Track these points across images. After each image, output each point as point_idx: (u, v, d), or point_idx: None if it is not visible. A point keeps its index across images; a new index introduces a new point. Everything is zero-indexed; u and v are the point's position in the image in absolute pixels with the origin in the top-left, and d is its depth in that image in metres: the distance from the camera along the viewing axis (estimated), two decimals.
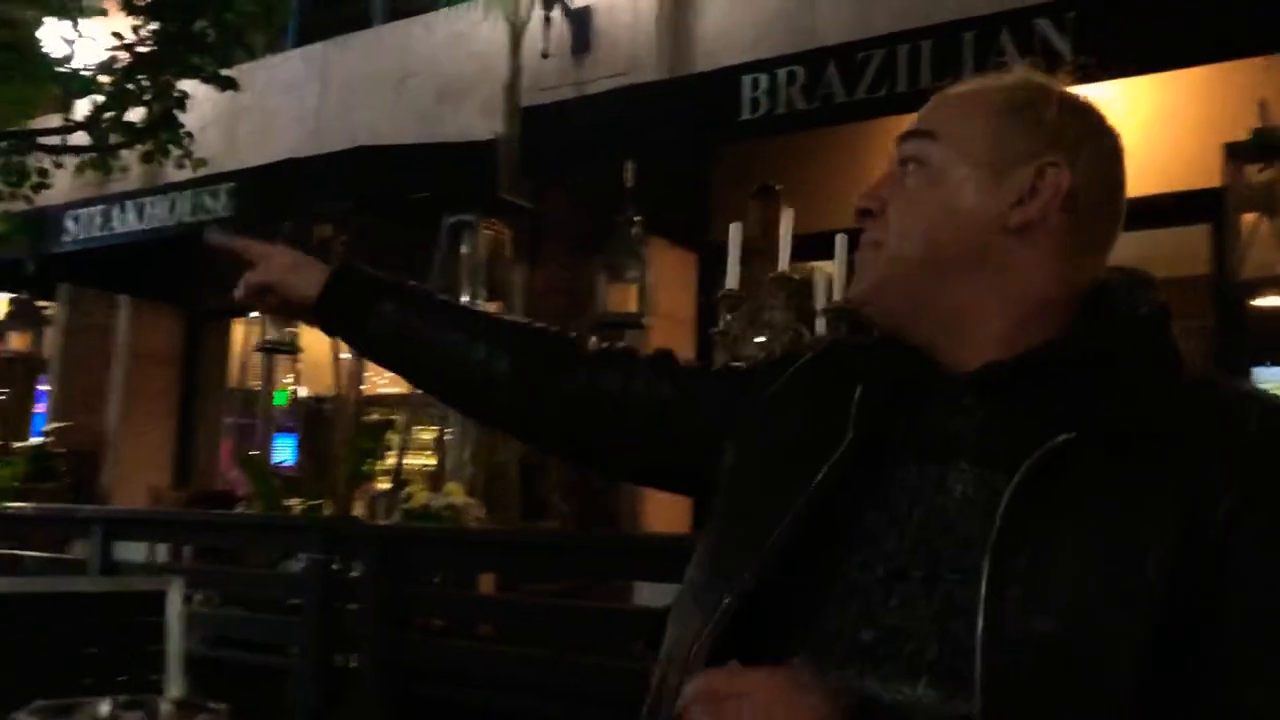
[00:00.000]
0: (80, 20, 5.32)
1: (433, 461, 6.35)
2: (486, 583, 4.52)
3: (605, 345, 1.24)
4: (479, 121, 6.29)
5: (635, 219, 5.04)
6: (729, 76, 5.08)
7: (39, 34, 5.39)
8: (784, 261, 3.84)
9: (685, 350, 6.66)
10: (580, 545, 4.12)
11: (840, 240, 3.63)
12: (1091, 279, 0.98)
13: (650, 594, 3.72)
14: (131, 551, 4.98)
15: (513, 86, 5.57)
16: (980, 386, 0.94)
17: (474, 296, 5.41)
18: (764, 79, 4.87)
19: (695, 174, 6.21)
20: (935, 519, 0.90)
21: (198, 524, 5.12)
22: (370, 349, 1.25)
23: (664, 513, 5.39)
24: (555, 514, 5.39)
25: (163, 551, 5.29)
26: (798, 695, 0.78)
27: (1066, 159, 0.97)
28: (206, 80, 5.29)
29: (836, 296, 3.68)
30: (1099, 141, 1.01)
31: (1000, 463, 0.88)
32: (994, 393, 0.94)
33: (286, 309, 1.24)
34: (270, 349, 6.86)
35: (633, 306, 5.19)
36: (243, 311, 7.47)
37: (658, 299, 5.48)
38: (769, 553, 0.92)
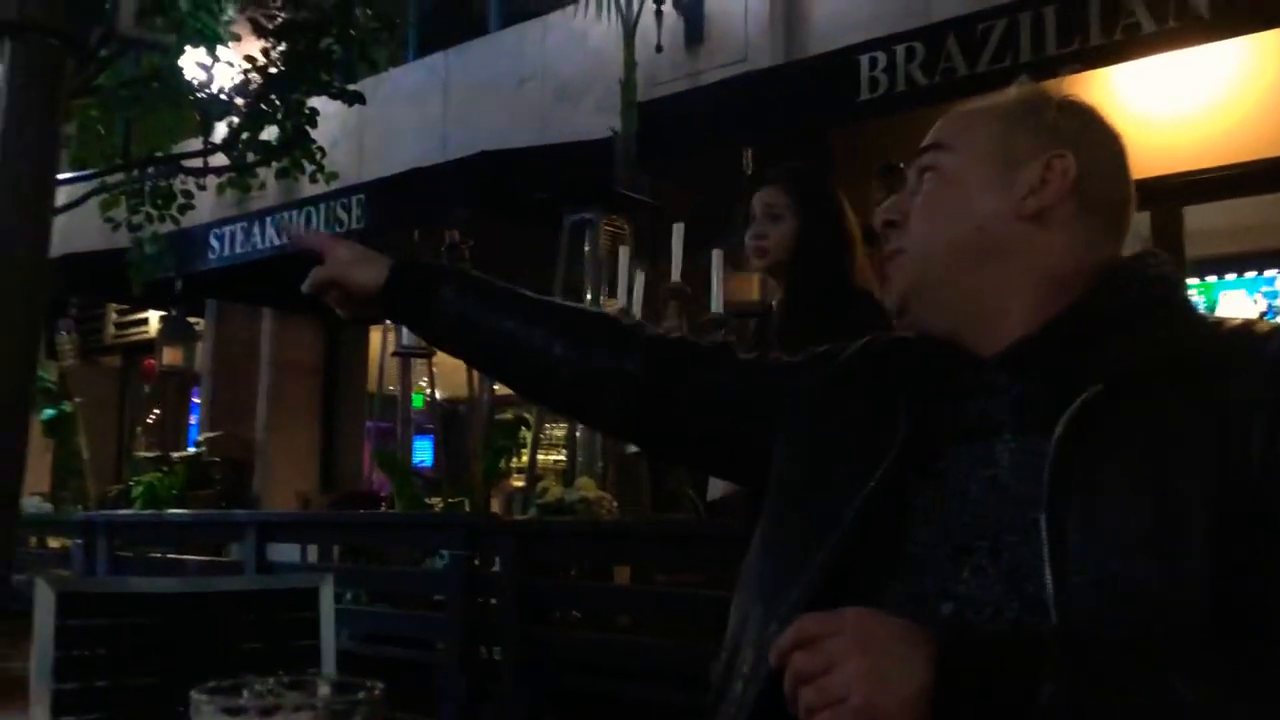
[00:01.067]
0: (217, 47, 5.58)
1: (564, 458, 6.45)
2: (622, 575, 4.57)
3: (663, 333, 1.27)
4: (596, 119, 6.35)
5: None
6: (846, 57, 5.01)
7: (179, 62, 5.68)
8: (676, 272, 3.98)
9: None
10: (712, 535, 4.12)
11: (716, 255, 3.77)
12: (1108, 258, 1.03)
13: None
14: (284, 553, 5.21)
15: (628, 82, 5.60)
16: (1012, 362, 0.98)
17: (596, 294, 5.46)
18: (882, 57, 4.79)
19: (815, 160, 6.14)
20: (989, 491, 0.94)
21: (344, 524, 5.31)
22: (434, 337, 1.30)
23: None
24: (686, 506, 5.41)
25: (313, 552, 5.51)
26: (892, 623, 0.81)
27: (1071, 150, 1.02)
28: (334, 96, 5.47)
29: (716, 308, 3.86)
30: (1098, 134, 1.06)
31: (1041, 426, 0.92)
32: (1025, 365, 0.98)
33: (350, 302, 1.29)
34: (405, 353, 7.06)
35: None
36: (379, 319, 7.73)
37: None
38: (837, 545, 0.95)
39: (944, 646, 0.78)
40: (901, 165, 4.21)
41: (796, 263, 2.41)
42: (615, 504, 4.77)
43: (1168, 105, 4.80)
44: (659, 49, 6.12)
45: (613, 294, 5.57)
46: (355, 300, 1.28)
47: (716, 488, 2.91)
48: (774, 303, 2.62)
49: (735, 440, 1.18)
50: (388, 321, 7.22)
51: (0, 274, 0.65)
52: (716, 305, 4.47)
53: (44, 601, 1.87)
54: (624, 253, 5.13)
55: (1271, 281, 6.18)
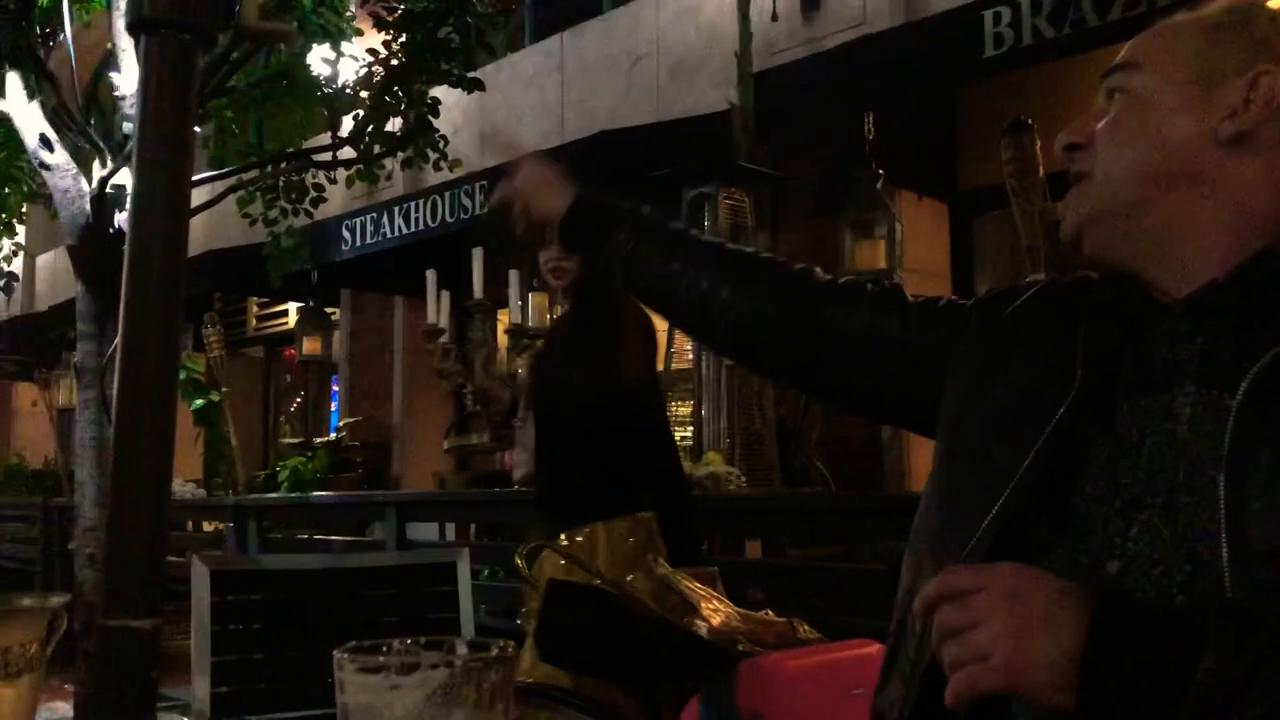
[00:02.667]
0: (341, 42, 5.73)
1: (690, 434, 6.46)
2: (752, 550, 4.56)
3: (833, 277, 1.23)
4: (712, 94, 6.31)
5: (878, 173, 4.91)
6: (970, 13, 4.84)
7: (306, 59, 5.85)
8: (478, 290, 4.09)
9: None
10: (845, 507, 4.07)
11: (514, 276, 3.69)
12: None
13: None
14: (422, 532, 5.37)
15: (743, 53, 5.53)
16: (1199, 309, 0.91)
17: None
18: (1006, 11, 4.62)
19: (939, 121, 5.98)
20: (1166, 446, 0.88)
21: (478, 502, 5.43)
22: (605, 272, 1.29)
23: (929, 467, 5.24)
24: (815, 479, 5.36)
25: (450, 531, 5.66)
26: (1046, 581, 0.77)
27: None
28: (454, 84, 5.56)
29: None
30: None
31: (1225, 381, 0.86)
32: (1214, 313, 0.91)
33: (531, 223, 1.30)
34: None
35: (881, 263, 5.07)
36: (505, 302, 7.85)
37: (907, 253, 5.33)
38: (1008, 500, 0.91)
39: (1099, 609, 0.74)
40: (1029, 121, 4.07)
41: (587, 282, 2.70)
42: (743, 479, 4.76)
43: None
44: (774, 18, 6.05)
45: None
46: (536, 222, 1.29)
47: (519, 469, 3.08)
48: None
49: (905, 386, 1.14)
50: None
51: (140, 271, 0.69)
52: (517, 318, 4.78)
53: (200, 579, 1.96)
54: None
55: None
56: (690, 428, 6.42)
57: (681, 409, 7.31)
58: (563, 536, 2.59)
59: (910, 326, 1.14)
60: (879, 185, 5.04)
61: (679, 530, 2.66)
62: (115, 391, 0.87)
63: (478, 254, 4.39)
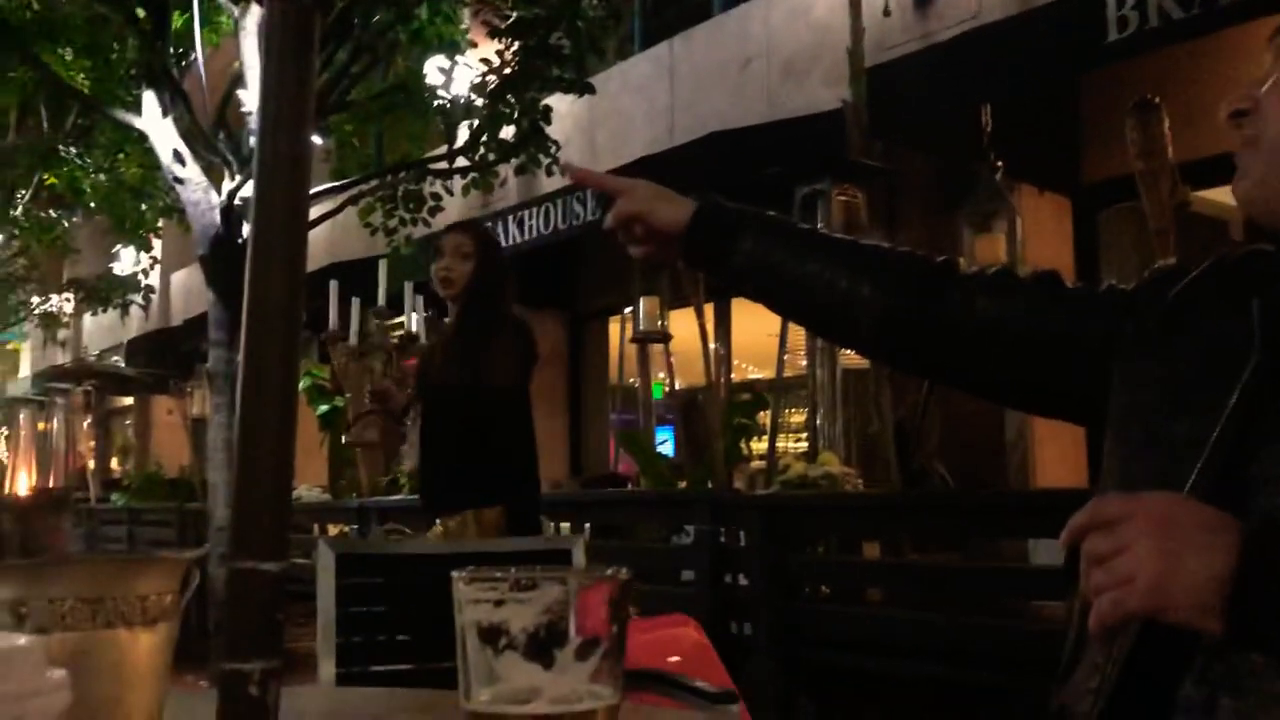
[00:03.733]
0: (456, 53, 5.87)
1: (805, 443, 6.39)
2: (871, 551, 4.47)
3: (980, 268, 1.16)
4: (823, 92, 6.25)
5: (997, 166, 4.79)
6: None
7: (421, 70, 6.01)
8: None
9: None
10: (967, 505, 3.97)
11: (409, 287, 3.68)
12: None
13: (1048, 552, 3.52)
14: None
15: (856, 50, 5.46)
16: None
17: None
18: None
19: (1061, 111, 5.80)
20: None
21: (593, 503, 5.46)
22: (733, 281, 1.23)
23: (1055, 467, 5.08)
24: (935, 479, 5.23)
25: (565, 532, 5.70)
26: (1196, 509, 0.75)
27: None
28: (566, 90, 5.63)
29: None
30: None
31: None
32: None
33: (653, 240, 1.24)
34: (642, 340, 7.18)
35: (1002, 258, 4.93)
36: (617, 310, 7.89)
37: (1029, 249, 5.18)
38: (1200, 475, 0.87)
39: (1252, 537, 0.71)
40: (1155, 99, 3.92)
41: (472, 293, 3.03)
42: (860, 480, 4.68)
43: None
44: (886, 13, 5.96)
45: None
46: (657, 238, 1.24)
47: (406, 461, 3.57)
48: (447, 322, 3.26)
49: (1066, 375, 1.08)
50: (626, 310, 7.40)
51: (261, 275, 0.71)
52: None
53: (325, 562, 2.02)
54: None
55: None
56: (804, 435, 6.35)
57: (795, 417, 7.24)
58: (438, 522, 2.95)
59: (1071, 314, 1.08)
60: (998, 179, 4.91)
61: (529, 521, 3.14)
62: (239, 393, 0.90)
63: (383, 264, 4.54)
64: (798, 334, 5.81)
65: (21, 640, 0.52)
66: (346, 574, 1.96)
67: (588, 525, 5.30)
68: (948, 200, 5.38)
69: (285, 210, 0.91)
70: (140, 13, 5.23)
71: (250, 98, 5.32)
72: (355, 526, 6.23)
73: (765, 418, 6.32)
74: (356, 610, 1.94)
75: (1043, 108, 5.68)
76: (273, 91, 0.97)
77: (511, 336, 3.09)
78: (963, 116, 5.17)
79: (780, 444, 6.60)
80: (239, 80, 5.73)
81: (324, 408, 8.65)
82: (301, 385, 7.82)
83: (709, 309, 7.63)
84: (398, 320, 11.09)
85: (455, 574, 0.60)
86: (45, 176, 9.09)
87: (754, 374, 9.98)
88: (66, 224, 10.16)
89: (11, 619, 0.82)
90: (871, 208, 5.33)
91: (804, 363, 5.89)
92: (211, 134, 5.56)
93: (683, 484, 5.55)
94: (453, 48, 5.75)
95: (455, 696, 0.72)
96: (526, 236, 7.64)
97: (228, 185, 5.31)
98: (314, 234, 6.29)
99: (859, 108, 5.34)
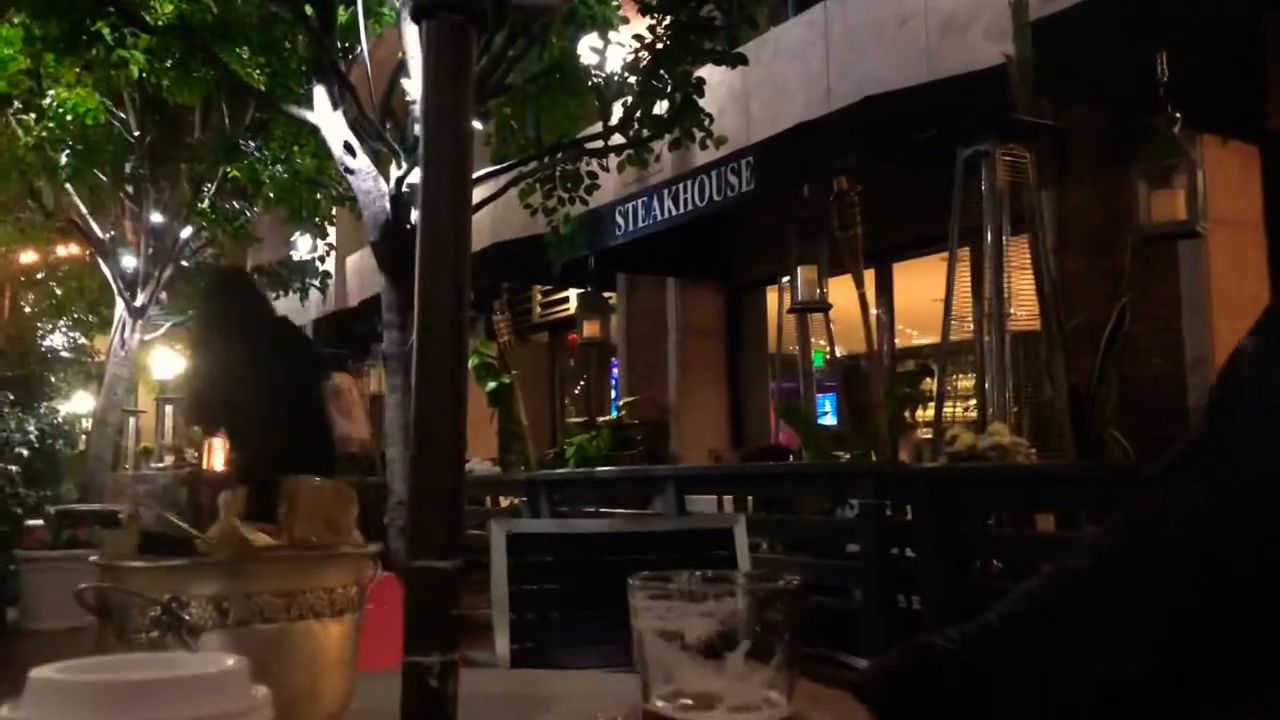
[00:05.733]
0: (609, 31, 5.91)
1: (973, 407, 6.21)
2: (1044, 524, 4.33)
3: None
4: (985, 49, 6.01)
5: (1175, 116, 4.52)
6: None
7: (576, 50, 6.08)
8: None
9: (1254, 257, 5.79)
10: (1144, 477, 3.79)
11: None
12: None
13: None
14: (701, 507, 5.46)
15: (1019, 3, 5.24)
16: None
17: (998, 230, 5.19)
18: None
19: (1244, 55, 5.42)
20: None
21: (754, 476, 5.47)
22: None
23: None
24: (1113, 449, 5.02)
25: (728, 505, 5.73)
26: None
27: None
28: (719, 62, 5.60)
29: None
30: None
31: None
32: None
33: None
34: (801, 309, 7.11)
35: (1182, 215, 4.66)
36: (774, 279, 7.83)
37: (1213, 203, 4.88)
38: None
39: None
40: None
41: None
42: (1033, 450, 4.53)
43: None
44: None
45: (1015, 231, 5.26)
46: None
47: None
48: None
49: None
50: (783, 279, 7.35)
51: (432, 257, 0.74)
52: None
53: (498, 542, 2.09)
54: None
55: None
56: (974, 402, 6.18)
57: (963, 383, 7.03)
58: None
59: None
60: (1176, 130, 4.64)
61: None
62: (414, 373, 0.94)
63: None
64: (963, 298, 5.64)
65: (230, 662, 0.56)
66: (519, 553, 2.03)
67: (750, 500, 5.31)
68: (1121, 156, 5.11)
69: (450, 236, 0.95)
70: (309, 10, 5.46)
71: (413, 86, 5.50)
72: (524, 498, 6.42)
73: (931, 384, 6.17)
74: (528, 588, 2.01)
75: (1224, 53, 5.32)
76: (433, 108, 1.01)
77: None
78: (1137, 67, 4.89)
79: (947, 411, 6.44)
80: (402, 68, 5.93)
81: (492, 384, 8.91)
82: (470, 364, 8.07)
83: (869, 275, 7.50)
84: (560, 297, 11.34)
85: (631, 580, 0.63)
86: (229, 170, 9.64)
87: (918, 340, 9.75)
88: (249, 214, 10.75)
89: (215, 612, 0.88)
90: (1040, 167, 5.12)
91: (970, 328, 5.71)
92: (379, 123, 5.77)
93: (845, 455, 5.49)
94: (605, 25, 5.79)
95: (624, 679, 0.74)
96: (682, 210, 7.66)
97: (395, 173, 5.50)
98: (477, 215, 6.47)
99: (1024, 62, 5.12)
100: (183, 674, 0.53)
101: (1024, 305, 5.37)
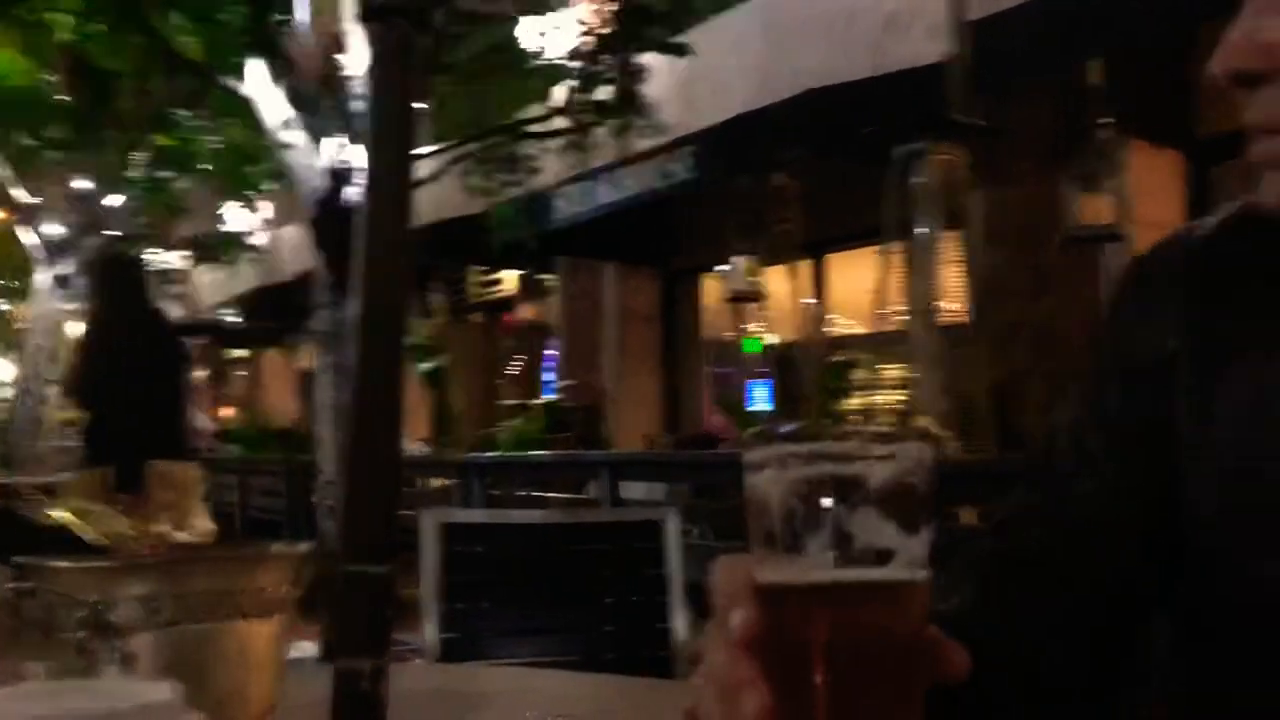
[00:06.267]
0: (550, 14, 5.88)
1: (903, 397, 6.33)
2: (968, 517, 4.43)
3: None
4: (928, 46, 6.08)
5: (1107, 121, 4.63)
6: None
7: (517, 33, 6.03)
8: None
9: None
10: (1064, 474, 3.90)
11: None
12: None
13: None
14: (635, 492, 5.50)
15: (958, 2, 5.31)
16: None
17: (930, 227, 5.28)
18: None
19: (1177, 64, 5.57)
20: None
21: (688, 464, 5.51)
22: None
23: None
24: (1035, 443, 5.15)
25: (660, 491, 5.78)
26: None
27: None
28: (661, 51, 5.61)
29: None
30: None
31: None
32: None
33: None
34: (737, 299, 7.17)
35: (1107, 218, 4.79)
36: (711, 267, 7.89)
37: (1140, 207, 5.01)
38: None
39: None
40: None
41: None
42: (958, 443, 4.63)
43: None
44: None
45: (948, 226, 5.36)
46: None
47: None
48: None
49: None
50: (721, 268, 7.40)
51: (372, 243, 0.75)
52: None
53: (429, 532, 2.10)
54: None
55: None
56: (903, 391, 6.30)
57: (892, 372, 7.17)
58: None
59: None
60: (1107, 135, 4.75)
61: None
62: (355, 355, 0.94)
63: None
64: (896, 291, 5.75)
65: (166, 692, 0.57)
66: (450, 543, 2.04)
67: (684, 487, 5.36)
68: (1054, 158, 5.23)
69: (391, 233, 0.95)
70: None
71: (350, 62, 5.42)
72: (458, 480, 6.41)
73: (862, 375, 6.28)
74: (459, 579, 2.02)
75: (1158, 61, 5.46)
76: (378, 112, 1.01)
77: None
78: (1072, 70, 5.00)
79: (878, 400, 6.55)
80: (341, 42, 5.84)
81: (426, 366, 8.86)
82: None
83: (806, 265, 7.58)
84: (497, 277, 11.28)
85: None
86: (158, 139, 9.42)
87: (852, 329, 9.88)
88: (179, 185, 10.53)
89: (145, 612, 0.88)
90: (973, 166, 5.21)
91: (902, 319, 5.81)
92: (316, 97, 5.69)
93: None
94: (546, 7, 5.77)
95: (554, 675, 0.73)
96: (621, 196, 7.66)
97: (331, 148, 5.43)
98: (418, 192, 6.41)
99: (961, 63, 5.20)
100: (118, 707, 0.53)
101: (953, 299, 5.48)
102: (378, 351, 0.94)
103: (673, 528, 2.13)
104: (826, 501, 0.51)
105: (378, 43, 0.93)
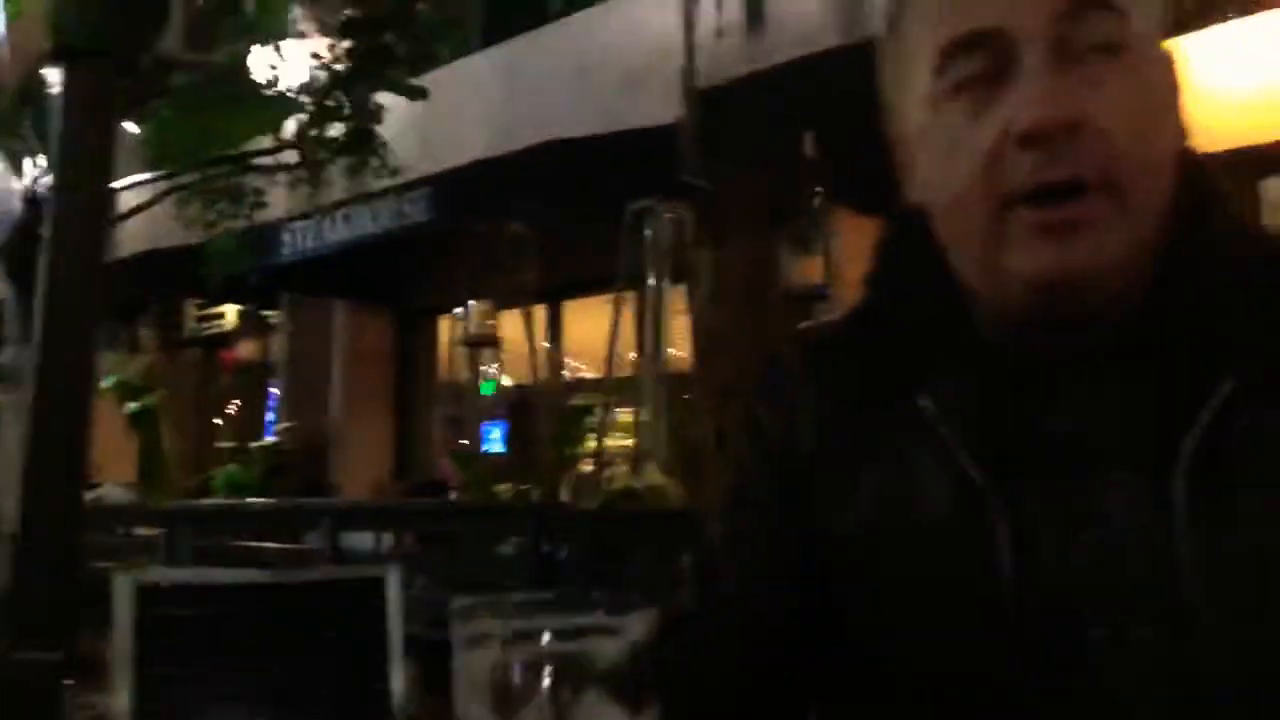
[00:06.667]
0: (283, 45, 5.68)
1: (632, 442, 6.48)
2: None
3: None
4: (662, 107, 6.33)
5: (818, 191, 4.98)
6: None
7: (249, 63, 5.79)
8: None
9: None
10: None
11: None
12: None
13: None
14: (360, 540, 5.32)
15: (689, 69, 5.58)
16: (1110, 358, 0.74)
17: (659, 280, 5.48)
18: None
19: (881, 141, 6.07)
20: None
21: (415, 513, 5.40)
22: None
23: None
24: None
25: (387, 539, 5.61)
26: None
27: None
28: (399, 92, 5.54)
29: None
30: None
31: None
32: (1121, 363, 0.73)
33: None
34: (472, 343, 7.14)
35: (817, 280, 5.14)
36: (447, 309, 7.82)
37: (848, 270, 5.40)
38: None
39: None
40: None
41: None
42: (681, 490, 4.78)
43: (1245, 77, 4.66)
44: (719, 34, 6.09)
45: (676, 281, 5.57)
46: None
47: None
48: None
49: None
50: (457, 310, 7.34)
51: (59, 285, 0.69)
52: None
53: (122, 595, 1.94)
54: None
55: None
56: (633, 436, 6.45)
57: (624, 417, 7.33)
58: None
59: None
60: (818, 203, 5.11)
61: None
62: (30, 399, 0.88)
63: None
64: (627, 340, 5.90)
65: None
66: (146, 606, 1.89)
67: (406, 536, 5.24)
68: (772, 222, 5.56)
69: (82, 281, 0.90)
70: None
71: (55, 77, 5.03)
72: (165, 530, 5.97)
73: (595, 422, 6.36)
74: (155, 643, 1.87)
75: (865, 136, 5.92)
76: (70, 151, 0.95)
77: None
78: (790, 141, 5.34)
79: (608, 444, 6.67)
80: (44, 58, 5.40)
81: (134, 406, 8.24)
82: (107, 384, 7.37)
83: (541, 311, 7.65)
84: (216, 311, 10.69)
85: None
86: None
87: (585, 373, 10.04)
88: None
89: None
90: (700, 225, 5.46)
91: (632, 367, 5.97)
92: (15, 115, 5.22)
93: (507, 485, 5.55)
94: (279, 38, 5.57)
95: None
96: (354, 234, 7.48)
97: (31, 171, 5.00)
98: (128, 222, 5.99)
99: (691, 127, 5.45)
100: None
101: (681, 349, 5.70)
102: (59, 399, 0.88)
103: (395, 584, 2.07)
104: (546, 683, 0.49)
105: (71, 88, 0.88)
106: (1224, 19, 4.26)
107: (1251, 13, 4.22)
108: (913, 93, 0.76)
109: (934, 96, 0.72)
